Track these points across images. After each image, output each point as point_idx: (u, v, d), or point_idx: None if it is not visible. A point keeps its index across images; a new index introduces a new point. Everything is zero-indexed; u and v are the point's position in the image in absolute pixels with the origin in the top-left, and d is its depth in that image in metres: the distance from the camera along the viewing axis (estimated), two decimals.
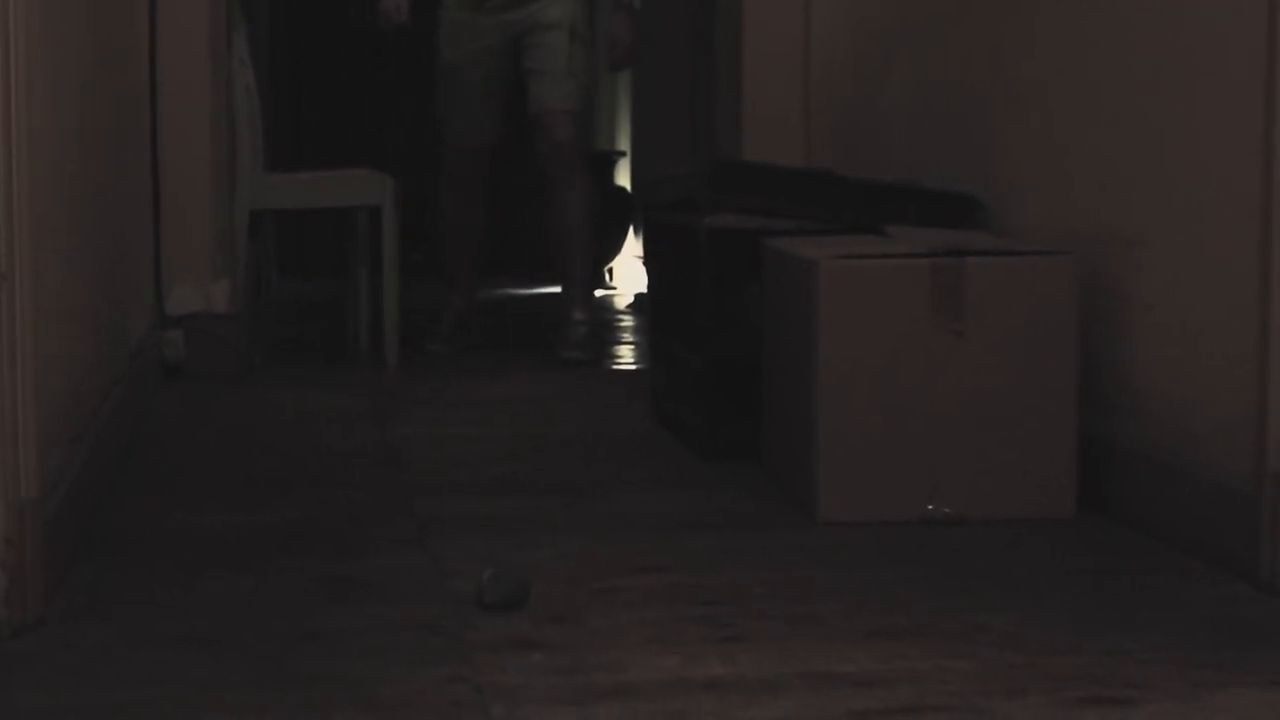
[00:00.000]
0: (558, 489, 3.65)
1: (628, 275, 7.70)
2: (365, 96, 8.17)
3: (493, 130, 5.67)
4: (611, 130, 8.38)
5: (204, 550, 3.17)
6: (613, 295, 7.56)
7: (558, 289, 5.81)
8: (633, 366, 5.53)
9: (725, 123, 5.54)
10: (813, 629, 2.68)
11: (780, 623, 2.70)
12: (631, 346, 6.01)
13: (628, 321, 6.70)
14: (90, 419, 3.41)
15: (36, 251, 2.64)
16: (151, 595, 2.88)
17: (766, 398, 3.73)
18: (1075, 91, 3.59)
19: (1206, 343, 3.11)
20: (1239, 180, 2.96)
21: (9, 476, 2.56)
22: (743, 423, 3.83)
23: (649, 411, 4.38)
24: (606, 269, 7.80)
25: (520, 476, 3.80)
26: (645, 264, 5.44)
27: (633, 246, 7.70)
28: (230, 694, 2.39)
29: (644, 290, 5.97)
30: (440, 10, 5.65)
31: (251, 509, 3.48)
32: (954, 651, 2.56)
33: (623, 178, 8.10)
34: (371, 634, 2.65)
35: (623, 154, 8.17)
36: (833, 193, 4.07)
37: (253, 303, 5.42)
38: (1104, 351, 3.43)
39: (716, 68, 5.81)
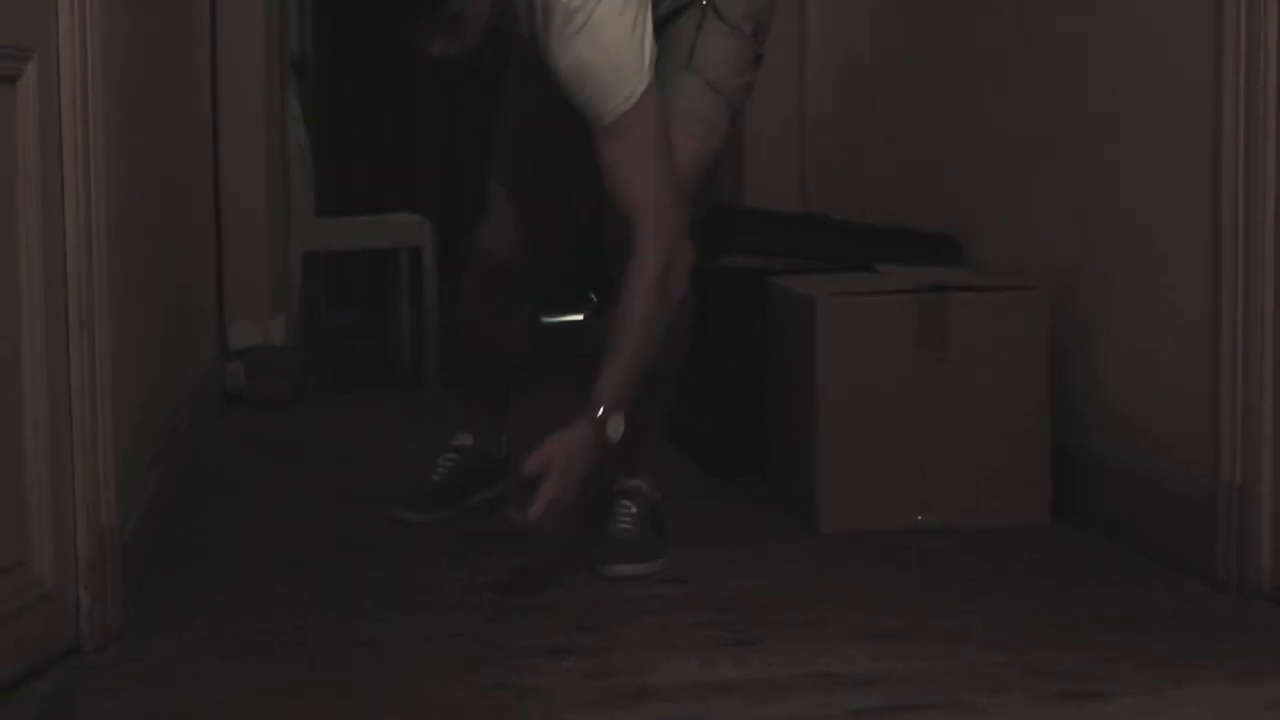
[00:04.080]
0: (579, 503, 3.62)
1: None
2: (406, 147, 8.16)
3: (584, 187, 3.11)
4: None
5: (262, 562, 3.17)
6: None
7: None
8: None
9: (728, 172, 5.50)
10: (817, 632, 2.67)
11: (787, 627, 2.70)
12: None
13: None
14: (162, 448, 3.40)
15: (114, 300, 2.64)
16: (215, 606, 2.87)
17: (770, 419, 3.72)
18: (1044, 140, 3.58)
19: (1164, 366, 3.10)
20: (1191, 220, 2.95)
21: (91, 506, 2.56)
22: (747, 442, 3.81)
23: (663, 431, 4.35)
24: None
25: None
26: None
27: None
28: (289, 699, 2.38)
29: None
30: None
31: (305, 523, 3.47)
32: (943, 651, 2.56)
33: None
34: (418, 641, 2.64)
35: None
36: (828, 235, 4.07)
37: (305, 335, 5.41)
38: (1073, 374, 3.42)
39: None
